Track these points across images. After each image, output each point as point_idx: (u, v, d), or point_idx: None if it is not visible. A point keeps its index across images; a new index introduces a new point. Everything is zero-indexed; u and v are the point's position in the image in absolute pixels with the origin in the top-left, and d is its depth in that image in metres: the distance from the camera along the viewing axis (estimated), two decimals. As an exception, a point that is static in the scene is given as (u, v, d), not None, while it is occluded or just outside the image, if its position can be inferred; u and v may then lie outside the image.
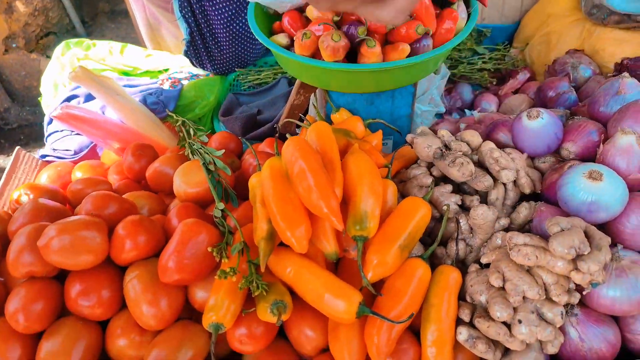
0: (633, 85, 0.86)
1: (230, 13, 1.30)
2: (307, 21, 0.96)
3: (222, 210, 0.87)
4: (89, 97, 1.33)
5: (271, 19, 1.01)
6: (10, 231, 0.90)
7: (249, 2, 1.22)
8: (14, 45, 2.65)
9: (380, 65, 0.83)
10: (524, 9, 1.46)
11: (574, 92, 1.13)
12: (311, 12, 0.90)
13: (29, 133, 2.83)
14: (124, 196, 1.01)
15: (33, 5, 2.62)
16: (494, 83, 1.39)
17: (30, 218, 0.90)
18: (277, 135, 0.96)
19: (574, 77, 1.23)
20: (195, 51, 1.37)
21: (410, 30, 0.82)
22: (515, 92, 1.38)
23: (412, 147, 0.90)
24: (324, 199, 0.71)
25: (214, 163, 0.96)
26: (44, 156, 1.28)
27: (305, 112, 1.13)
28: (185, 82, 1.40)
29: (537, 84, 1.33)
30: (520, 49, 1.43)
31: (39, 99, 1.50)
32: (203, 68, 1.40)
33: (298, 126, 1.15)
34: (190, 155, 1.02)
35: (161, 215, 0.98)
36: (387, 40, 0.86)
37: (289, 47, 0.95)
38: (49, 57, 2.76)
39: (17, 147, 1.20)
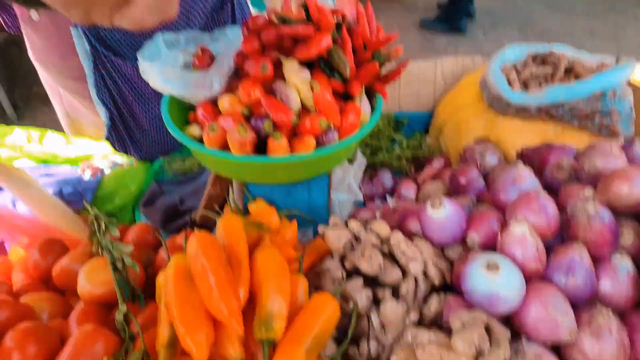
0: (527, 175, 0.92)
1: (149, 96, 1.30)
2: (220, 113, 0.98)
3: (125, 314, 0.82)
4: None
5: (187, 109, 1.02)
6: None
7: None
8: None
9: (286, 159, 0.84)
10: (437, 99, 1.56)
11: (482, 179, 1.19)
12: (222, 103, 0.92)
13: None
14: (22, 298, 0.94)
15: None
16: (413, 170, 1.44)
17: None
18: (190, 228, 0.94)
19: (482, 164, 1.30)
20: (118, 136, 1.35)
21: (315, 124, 0.84)
22: (434, 179, 1.43)
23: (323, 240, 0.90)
24: (225, 300, 0.68)
25: (122, 260, 0.92)
26: (-60, 254, 1.18)
27: (225, 202, 1.12)
28: (107, 171, 1.37)
29: (451, 170, 1.40)
30: (435, 136, 1.51)
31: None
32: (127, 153, 1.37)
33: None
34: (99, 252, 0.97)
35: (62, 320, 0.91)
36: (295, 132, 0.88)
37: (202, 139, 0.96)
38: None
39: None
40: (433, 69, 1.52)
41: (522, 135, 1.31)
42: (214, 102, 0.98)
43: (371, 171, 1.46)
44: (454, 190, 1.30)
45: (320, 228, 0.90)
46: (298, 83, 0.86)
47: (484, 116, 1.37)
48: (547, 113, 1.27)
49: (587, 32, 3.80)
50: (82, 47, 1.19)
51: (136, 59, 1.22)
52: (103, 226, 1.01)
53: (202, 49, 1.06)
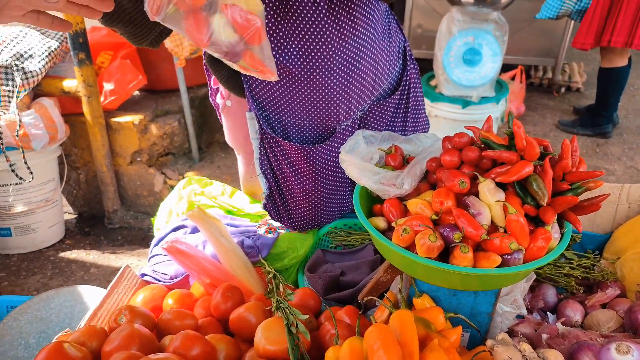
0: None
1: (305, 173, 1.42)
2: (406, 209, 1.05)
3: (295, 377, 0.90)
4: (195, 230, 1.48)
5: (373, 200, 1.12)
6: (105, 351, 0.98)
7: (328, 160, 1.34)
8: (138, 159, 3.05)
9: (471, 270, 0.88)
10: (617, 222, 1.48)
11: (670, 324, 1.09)
12: (414, 206, 1.00)
13: (126, 235, 3.10)
14: (207, 337, 1.08)
15: (164, 129, 3.05)
16: (581, 291, 1.36)
17: (124, 342, 0.98)
18: (360, 312, 1.01)
19: (669, 305, 1.18)
20: (274, 206, 1.49)
21: (504, 244, 0.87)
22: (603, 305, 1.34)
23: (491, 354, 0.90)
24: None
25: (297, 325, 1.01)
26: (143, 275, 1.41)
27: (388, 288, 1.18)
28: (280, 231, 1.52)
29: (628, 302, 1.29)
30: (611, 261, 1.42)
31: (152, 219, 1.69)
32: (282, 222, 1.51)
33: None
34: (275, 311, 1.08)
35: (235, 363, 1.03)
36: (480, 246, 0.92)
37: (386, 231, 1.04)
38: (163, 173, 3.12)
39: (125, 265, 1.34)
40: (618, 191, 1.45)
41: None
42: (400, 199, 1.06)
43: (534, 282, 1.42)
44: (630, 326, 1.21)
45: (489, 342, 0.90)
46: (492, 203, 0.90)
47: (673, 253, 1.26)
48: None
49: None
50: (252, 127, 1.38)
51: (299, 141, 1.37)
52: (282, 288, 1.13)
53: (395, 148, 1.17)
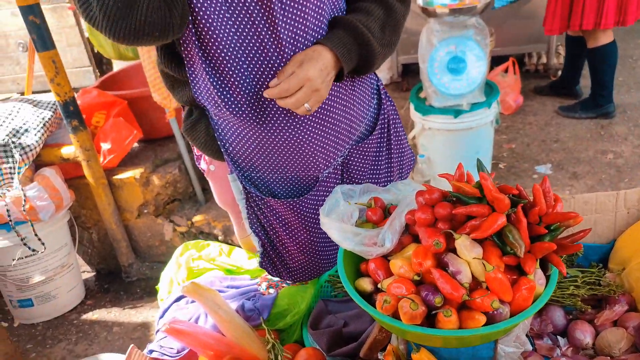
0: None
1: (296, 227, 1.42)
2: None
3: None
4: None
5: (359, 258, 1.11)
6: None
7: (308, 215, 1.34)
8: (145, 211, 3.09)
9: (457, 333, 0.87)
10: (618, 230, 1.44)
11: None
12: (395, 267, 0.99)
13: (144, 287, 3.14)
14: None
15: (166, 179, 3.09)
16: (589, 309, 1.33)
17: None
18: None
19: (679, 319, 1.15)
20: (270, 262, 1.48)
21: (486, 302, 0.86)
22: (615, 321, 1.30)
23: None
24: None
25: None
26: (151, 351, 1.43)
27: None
28: (283, 285, 1.52)
29: (639, 317, 1.26)
30: (616, 272, 1.38)
31: (157, 286, 1.71)
32: (280, 277, 1.51)
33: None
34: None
35: None
36: (465, 304, 0.90)
37: (373, 293, 1.03)
38: (171, 221, 3.16)
39: (131, 346, 1.36)
40: (614, 198, 1.42)
41: None
42: (385, 256, 1.05)
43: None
44: (640, 344, 1.17)
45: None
46: (469, 259, 0.89)
47: (678, 260, 1.22)
48: None
49: None
50: (236, 189, 1.38)
51: (283, 196, 1.37)
52: (279, 357, 1.13)
53: (374, 199, 1.16)
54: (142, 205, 3.07)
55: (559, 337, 1.33)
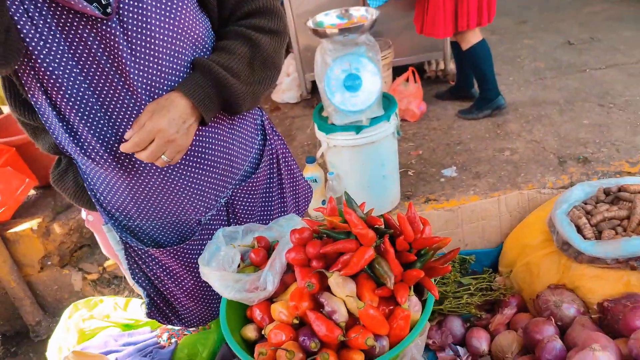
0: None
1: (181, 274, 1.35)
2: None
3: None
4: (91, 361, 1.38)
5: (244, 305, 1.07)
6: None
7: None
8: (48, 262, 2.87)
9: (337, 376, 0.85)
10: (504, 233, 1.51)
11: (559, 339, 1.11)
12: (275, 312, 0.96)
13: (56, 344, 2.90)
14: None
15: (69, 225, 2.89)
16: (482, 316, 1.38)
17: None
18: None
19: (559, 316, 1.21)
20: (159, 311, 1.41)
21: (361, 341, 0.85)
22: (507, 323, 1.36)
23: None
24: None
25: None
26: None
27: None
28: (183, 333, 1.45)
29: (527, 317, 1.32)
30: (505, 275, 1.45)
31: (46, 354, 1.57)
32: (173, 325, 1.44)
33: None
34: None
35: None
36: (344, 343, 0.89)
37: (258, 339, 1.00)
38: (80, 269, 2.95)
39: None
40: (496, 204, 1.48)
41: (600, 282, 1.21)
42: (270, 299, 1.02)
43: (440, 317, 1.42)
44: (529, 345, 1.22)
45: None
46: (343, 296, 0.88)
47: (556, 259, 1.29)
48: (627, 264, 1.17)
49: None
50: (113, 239, 1.31)
51: (165, 243, 1.31)
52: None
53: (257, 239, 1.13)
54: (45, 257, 2.85)
55: (459, 347, 1.36)
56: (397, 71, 3.92)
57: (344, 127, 2.55)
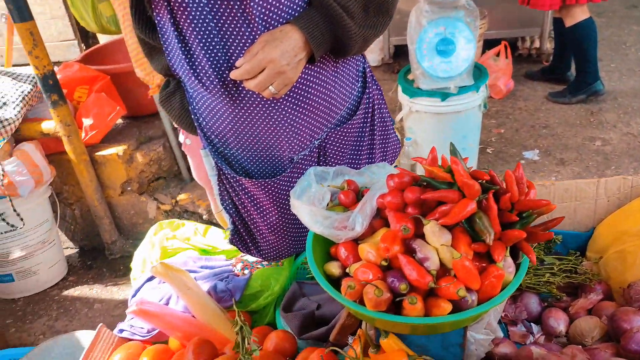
0: None
1: (267, 206, 1.38)
2: (360, 251, 1.02)
3: None
4: (170, 277, 1.47)
5: (330, 242, 1.09)
6: None
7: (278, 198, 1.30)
8: (128, 188, 3.05)
9: (421, 320, 0.85)
10: (598, 218, 1.42)
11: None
12: (363, 252, 0.96)
13: (127, 264, 3.09)
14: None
15: (150, 156, 3.04)
16: (564, 297, 1.32)
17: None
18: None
19: (652, 309, 1.14)
20: (241, 240, 1.45)
21: (453, 290, 0.84)
22: (590, 309, 1.30)
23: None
24: None
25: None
26: (121, 331, 1.41)
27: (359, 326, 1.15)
28: (258, 266, 1.50)
29: (613, 305, 1.25)
30: (594, 260, 1.37)
31: (130, 264, 1.68)
32: (251, 255, 1.48)
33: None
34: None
35: None
36: (432, 291, 0.88)
37: (342, 276, 1.01)
38: (155, 199, 3.12)
39: (100, 325, 1.34)
40: (594, 186, 1.40)
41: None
42: (355, 240, 1.03)
43: (516, 291, 1.38)
44: (613, 333, 1.17)
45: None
46: (438, 246, 0.86)
47: (655, 250, 1.21)
48: None
49: None
50: (209, 164, 1.35)
51: (256, 175, 1.34)
52: (247, 341, 1.11)
53: (347, 182, 1.13)
54: (126, 182, 3.03)
55: (533, 324, 1.32)
56: (488, 44, 3.73)
57: (430, 92, 2.48)
